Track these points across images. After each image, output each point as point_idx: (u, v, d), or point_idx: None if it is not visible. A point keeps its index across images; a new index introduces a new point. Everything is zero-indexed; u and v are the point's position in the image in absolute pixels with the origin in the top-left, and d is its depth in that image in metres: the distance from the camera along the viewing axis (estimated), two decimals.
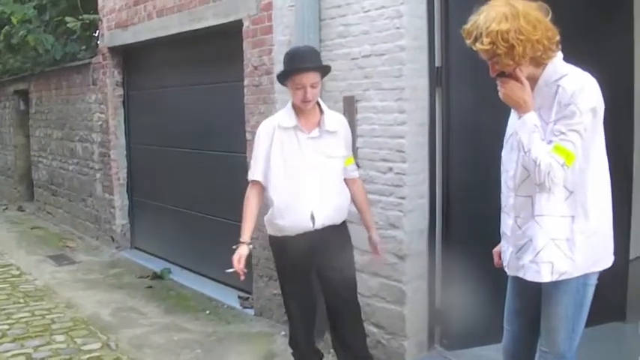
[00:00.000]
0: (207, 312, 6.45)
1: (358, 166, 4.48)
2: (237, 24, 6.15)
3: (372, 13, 4.72)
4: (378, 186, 4.75)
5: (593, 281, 3.05)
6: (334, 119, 4.13)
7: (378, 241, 4.30)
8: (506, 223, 3.15)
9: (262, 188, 4.13)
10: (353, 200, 4.24)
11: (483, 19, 2.88)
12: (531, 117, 2.93)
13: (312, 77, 3.90)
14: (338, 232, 4.14)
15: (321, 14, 5.14)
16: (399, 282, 4.72)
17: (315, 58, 4.07)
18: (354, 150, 4.82)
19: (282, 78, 4.02)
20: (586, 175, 2.93)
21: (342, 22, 4.98)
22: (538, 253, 2.97)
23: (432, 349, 4.88)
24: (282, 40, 5.56)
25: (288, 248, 4.10)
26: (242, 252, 3.92)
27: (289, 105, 4.08)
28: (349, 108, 4.93)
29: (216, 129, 7.21)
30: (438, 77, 4.66)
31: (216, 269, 6.99)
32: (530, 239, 3.01)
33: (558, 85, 2.88)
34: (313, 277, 4.22)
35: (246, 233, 4.01)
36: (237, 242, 3.96)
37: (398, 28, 4.55)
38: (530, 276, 3.01)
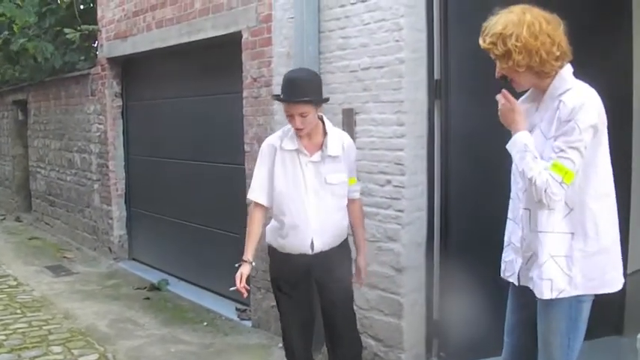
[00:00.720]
0: (205, 323, 6.44)
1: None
2: (237, 35, 6.17)
3: (371, 25, 4.73)
4: (376, 199, 4.76)
5: (589, 298, 3.03)
6: (337, 142, 4.02)
7: (363, 267, 4.24)
8: (517, 234, 3.13)
9: (265, 209, 4.11)
10: (349, 219, 4.21)
11: (494, 20, 2.96)
12: (521, 137, 2.95)
13: (300, 107, 3.81)
14: (337, 248, 4.12)
15: (321, 26, 5.16)
16: (397, 294, 4.72)
17: (307, 89, 3.85)
18: None
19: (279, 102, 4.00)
20: (585, 193, 2.92)
21: (341, 34, 4.99)
22: (540, 268, 2.97)
23: None
24: (282, 52, 5.58)
25: (287, 262, 4.09)
26: (244, 270, 3.92)
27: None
28: (348, 120, 4.94)
29: (214, 140, 7.21)
30: (437, 90, 4.66)
31: (214, 281, 7.01)
32: (533, 253, 3.02)
33: (560, 100, 2.89)
34: (312, 289, 4.19)
35: (249, 252, 4.00)
36: (240, 260, 3.96)
37: (397, 40, 4.57)
38: (536, 291, 3.01)
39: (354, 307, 4.28)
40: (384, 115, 4.70)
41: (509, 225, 3.23)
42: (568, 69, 2.98)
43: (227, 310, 6.70)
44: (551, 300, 2.97)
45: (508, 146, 3.01)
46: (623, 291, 4.95)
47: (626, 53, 4.98)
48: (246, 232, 4.08)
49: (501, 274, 3.27)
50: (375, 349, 4.90)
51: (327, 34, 5.13)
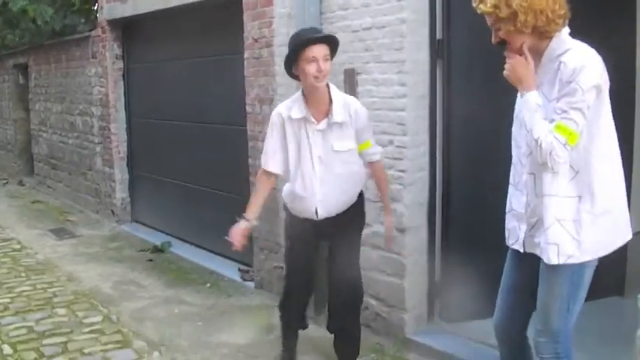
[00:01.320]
0: (208, 285, 6.48)
1: None
2: None
3: None
4: None
5: (593, 262, 3.01)
6: (343, 108, 4.00)
7: (389, 230, 4.25)
8: (520, 200, 3.11)
9: (275, 176, 4.18)
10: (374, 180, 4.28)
11: None
12: (533, 96, 2.91)
13: (323, 49, 3.86)
14: (346, 210, 4.15)
15: None
16: (399, 255, 4.73)
17: (321, 34, 4.07)
18: None
19: (293, 58, 3.90)
20: (590, 154, 2.90)
21: None
22: (546, 233, 2.95)
23: (431, 322, 4.91)
24: (283, 12, 5.53)
25: (297, 221, 4.22)
26: (240, 225, 3.99)
27: (299, 93, 4.03)
28: (350, 80, 4.91)
29: (216, 102, 7.19)
30: (438, 50, 4.63)
31: (217, 242, 7.02)
32: (538, 218, 3.00)
33: (560, 61, 2.85)
34: (317, 251, 4.36)
35: (250, 210, 4.07)
36: (241, 216, 4.03)
37: (399, 0, 4.52)
38: (544, 256, 2.99)
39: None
40: (385, 75, 4.67)
41: (511, 191, 3.21)
42: (566, 30, 2.94)
43: (230, 271, 6.73)
44: (556, 265, 2.96)
45: (519, 104, 2.98)
46: (624, 252, 4.97)
47: (630, 31, 4.90)
48: (252, 193, 4.19)
49: (506, 242, 3.27)
50: (377, 309, 4.93)
51: None
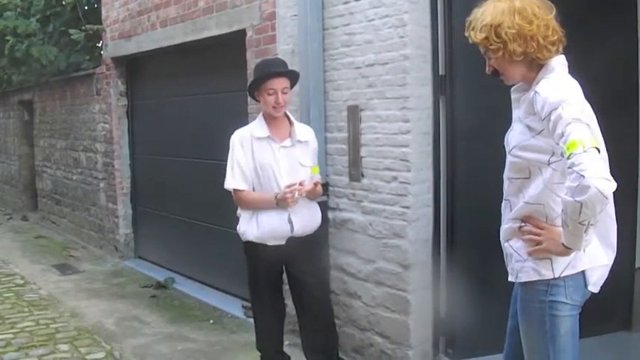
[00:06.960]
0: (211, 321, 6.45)
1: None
2: (241, 34, 6.16)
3: (375, 22, 4.72)
4: (383, 195, 4.74)
5: (561, 298, 2.79)
6: (304, 130, 4.43)
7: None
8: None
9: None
10: None
11: (481, 12, 2.85)
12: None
13: (282, 82, 4.21)
14: (314, 239, 4.38)
15: (325, 23, 5.15)
16: (404, 291, 4.70)
17: (284, 67, 4.35)
18: (358, 159, 4.83)
19: (255, 86, 4.23)
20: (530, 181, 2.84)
21: (345, 31, 4.98)
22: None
23: (437, 358, 4.87)
24: (286, 49, 5.57)
25: (264, 255, 4.25)
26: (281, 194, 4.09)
27: (260, 116, 4.32)
28: (353, 117, 4.93)
29: (219, 138, 7.16)
30: (442, 86, 4.65)
31: (221, 278, 7.02)
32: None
33: (535, 91, 2.72)
34: (282, 290, 4.47)
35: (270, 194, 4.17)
36: (275, 199, 4.11)
37: (402, 37, 4.55)
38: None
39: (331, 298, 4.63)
40: (389, 111, 4.69)
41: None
42: (559, 58, 2.81)
43: (233, 307, 6.71)
44: (521, 309, 2.95)
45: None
46: (631, 286, 4.96)
47: (632, 38, 4.92)
48: (256, 201, 4.24)
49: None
50: (382, 347, 4.89)
51: (330, 31, 5.12)
